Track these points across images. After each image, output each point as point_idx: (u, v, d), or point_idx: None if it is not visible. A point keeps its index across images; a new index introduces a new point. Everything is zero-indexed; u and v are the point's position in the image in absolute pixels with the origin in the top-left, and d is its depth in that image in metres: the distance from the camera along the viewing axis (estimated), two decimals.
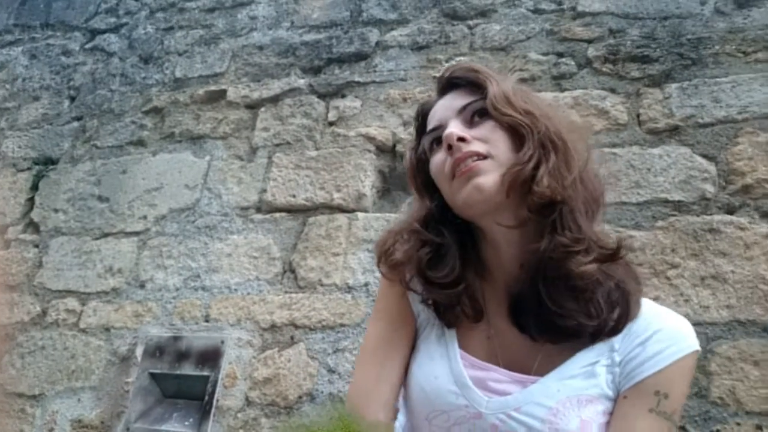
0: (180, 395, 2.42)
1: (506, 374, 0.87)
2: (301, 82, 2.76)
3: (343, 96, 2.67)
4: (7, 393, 2.68)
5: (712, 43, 2.14)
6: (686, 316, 1.79)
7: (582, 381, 0.84)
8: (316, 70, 2.78)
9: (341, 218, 2.38)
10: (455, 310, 0.92)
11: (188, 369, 2.38)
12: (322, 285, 2.30)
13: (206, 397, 2.30)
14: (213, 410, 2.27)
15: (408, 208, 0.98)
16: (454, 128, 0.88)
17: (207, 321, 2.45)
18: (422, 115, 1.00)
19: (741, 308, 1.78)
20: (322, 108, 2.68)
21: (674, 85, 2.11)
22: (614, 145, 2.11)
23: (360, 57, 2.71)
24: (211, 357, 2.36)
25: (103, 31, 3.39)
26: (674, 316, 0.88)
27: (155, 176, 2.85)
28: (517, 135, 0.87)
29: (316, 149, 2.60)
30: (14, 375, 2.70)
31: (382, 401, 0.92)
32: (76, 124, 3.16)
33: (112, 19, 3.40)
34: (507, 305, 0.90)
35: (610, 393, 0.84)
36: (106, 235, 2.82)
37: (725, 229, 1.88)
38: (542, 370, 0.86)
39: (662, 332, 0.84)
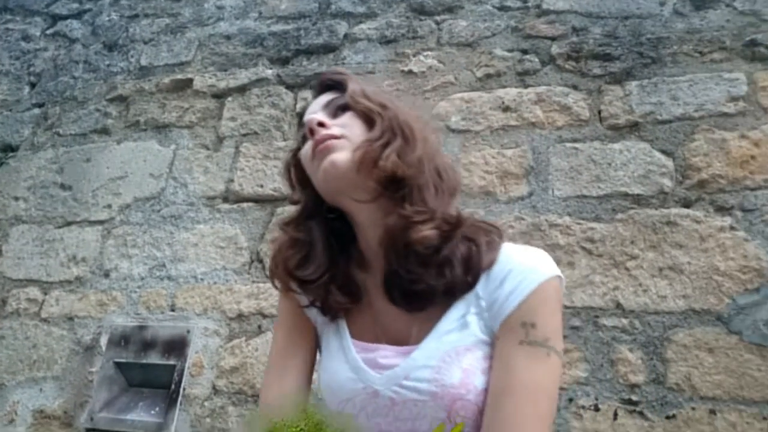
0: (146, 384, 2.40)
1: (392, 349, 0.92)
2: (269, 73, 2.76)
3: (311, 87, 2.68)
4: None
5: (670, 43, 2.22)
6: (645, 305, 1.87)
7: (457, 334, 0.88)
8: (284, 61, 2.78)
9: None
10: (329, 301, 0.98)
11: (154, 358, 2.36)
12: None
13: (173, 386, 2.29)
14: (180, 399, 2.26)
15: None
16: (313, 114, 0.97)
17: (173, 310, 2.43)
18: (301, 117, 1.07)
19: (696, 298, 1.86)
20: (290, 99, 2.69)
21: (634, 83, 2.18)
22: (576, 141, 2.17)
23: (328, 49, 2.72)
24: (177, 346, 2.35)
25: (66, 17, 3.32)
26: (528, 251, 0.92)
27: (120, 165, 2.81)
28: (370, 121, 0.96)
29: (284, 140, 2.60)
30: None
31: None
32: (37, 110, 3.10)
33: (75, 5, 3.33)
34: (382, 284, 0.95)
35: (486, 338, 0.88)
36: (69, 223, 2.77)
37: (682, 222, 1.95)
38: (420, 337, 0.90)
39: (516, 268, 0.89)
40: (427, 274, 0.89)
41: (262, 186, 2.52)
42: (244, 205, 2.52)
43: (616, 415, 1.81)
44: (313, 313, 1.04)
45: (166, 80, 2.91)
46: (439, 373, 0.85)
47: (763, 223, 1.88)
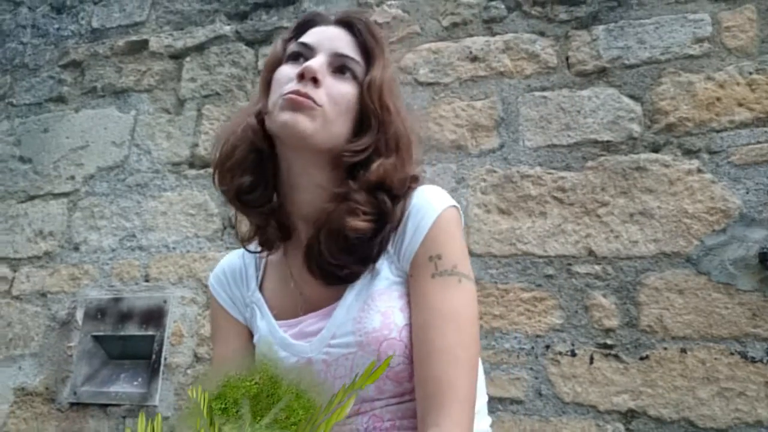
0: (126, 356, 2.40)
1: (315, 315, 0.95)
2: (227, 29, 2.67)
3: (272, 43, 2.59)
4: None
5: None
6: (617, 251, 1.91)
7: (369, 283, 0.92)
8: (242, 16, 2.68)
9: None
10: (267, 232, 0.98)
11: (132, 330, 2.36)
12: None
13: (153, 356, 2.29)
14: (162, 368, 2.27)
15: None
16: (316, 65, 0.90)
17: (147, 281, 2.41)
18: (308, 23, 1.01)
19: (666, 241, 1.90)
20: (251, 56, 2.61)
21: (601, 27, 2.16)
22: (545, 89, 2.15)
23: (288, 1, 2.63)
24: (155, 316, 2.34)
25: None
26: (421, 191, 0.94)
27: (80, 134, 2.73)
28: (365, 121, 0.93)
29: (248, 99, 2.54)
30: None
31: None
32: None
33: None
34: (304, 256, 0.95)
35: (399, 278, 0.92)
36: (32, 197, 2.70)
37: (651, 166, 1.97)
38: (339, 297, 0.93)
39: (413, 210, 0.92)
40: (352, 262, 0.91)
41: None
42: (211, 170, 2.47)
43: (592, 359, 1.87)
44: (239, 311, 1.05)
45: (121, 42, 2.79)
46: (360, 322, 0.89)
47: (729, 164, 1.91)
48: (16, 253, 2.64)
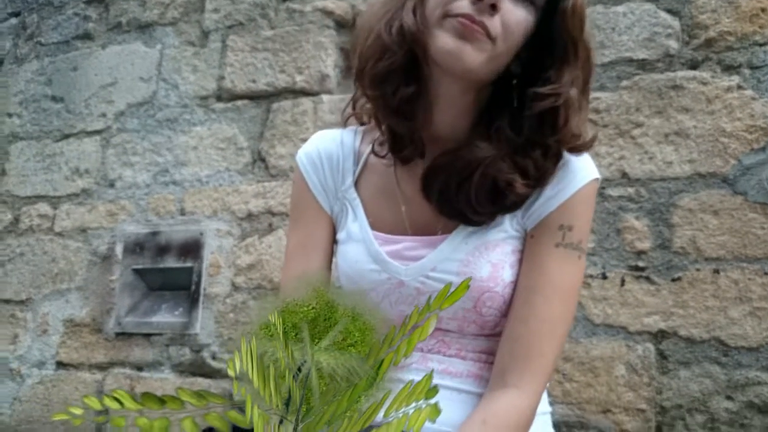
0: (165, 287, 2.48)
1: (417, 240, 0.91)
2: None
3: None
4: None
5: None
6: (651, 173, 1.87)
7: (486, 228, 0.88)
8: None
9: (306, 102, 2.34)
10: (407, 147, 0.90)
11: (171, 262, 2.42)
12: (294, 172, 2.30)
13: (193, 287, 2.37)
14: (201, 298, 2.35)
15: None
16: None
17: (183, 214, 2.46)
18: None
19: (702, 162, 1.85)
20: None
21: None
22: None
23: None
24: (192, 249, 2.40)
25: None
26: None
27: (108, 71, 2.74)
28: (545, 54, 0.83)
29: (272, 28, 2.50)
30: None
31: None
32: (14, 20, 2.97)
33: None
34: (423, 178, 0.89)
35: (516, 233, 0.88)
36: (66, 136, 2.75)
37: (688, 84, 1.90)
38: (448, 229, 0.89)
39: (556, 171, 0.87)
40: (492, 211, 0.87)
41: (254, 81, 2.45)
42: (239, 102, 2.46)
43: (623, 281, 1.86)
44: (328, 201, 0.99)
45: None
46: (467, 266, 0.86)
47: None
48: (55, 191, 2.71)
